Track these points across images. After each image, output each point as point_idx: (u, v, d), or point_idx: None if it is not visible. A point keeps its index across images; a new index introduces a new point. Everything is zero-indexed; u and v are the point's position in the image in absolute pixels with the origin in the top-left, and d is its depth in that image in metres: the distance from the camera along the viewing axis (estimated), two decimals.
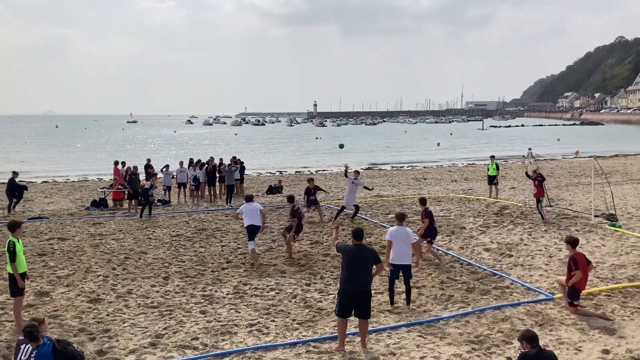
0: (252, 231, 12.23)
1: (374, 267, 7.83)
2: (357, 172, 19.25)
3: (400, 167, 41.09)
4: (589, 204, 18.31)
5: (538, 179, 16.76)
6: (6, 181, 20.20)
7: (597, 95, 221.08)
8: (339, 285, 7.92)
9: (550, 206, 18.67)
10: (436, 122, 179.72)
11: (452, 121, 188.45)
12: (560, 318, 8.78)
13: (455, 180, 28.97)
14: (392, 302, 9.39)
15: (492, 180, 21.19)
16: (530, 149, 20.74)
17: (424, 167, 40.43)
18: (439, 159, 48.33)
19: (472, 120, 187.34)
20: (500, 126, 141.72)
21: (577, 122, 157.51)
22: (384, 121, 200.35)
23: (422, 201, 12.64)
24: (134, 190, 19.39)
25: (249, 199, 12.84)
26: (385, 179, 30.73)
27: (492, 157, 22.15)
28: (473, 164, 42.40)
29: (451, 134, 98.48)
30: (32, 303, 9.55)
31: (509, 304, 9.42)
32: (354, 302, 7.64)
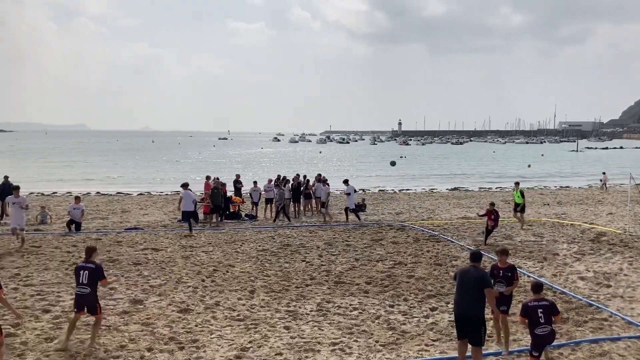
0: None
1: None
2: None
3: (488, 188, 39.83)
4: None
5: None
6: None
7: None
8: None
9: None
10: (527, 143, 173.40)
11: (544, 142, 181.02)
12: None
13: (548, 204, 27.69)
14: None
15: (517, 207, 19.66)
16: (604, 172, 19.39)
17: (513, 189, 38.92)
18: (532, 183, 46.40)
19: (565, 141, 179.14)
20: (596, 148, 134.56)
21: None
22: (470, 140, 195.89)
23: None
24: (214, 204, 20.03)
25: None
26: (472, 200, 29.91)
27: (517, 183, 20.73)
28: (567, 187, 40.39)
29: (542, 155, 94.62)
30: (127, 310, 10.04)
31: (607, 338, 8.82)
32: (463, 325, 7.47)
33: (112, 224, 20.11)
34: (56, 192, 34.42)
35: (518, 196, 19.34)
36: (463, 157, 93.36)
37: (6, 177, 21.81)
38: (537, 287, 7.52)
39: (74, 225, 18.02)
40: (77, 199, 19.07)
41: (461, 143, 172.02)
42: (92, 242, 15.59)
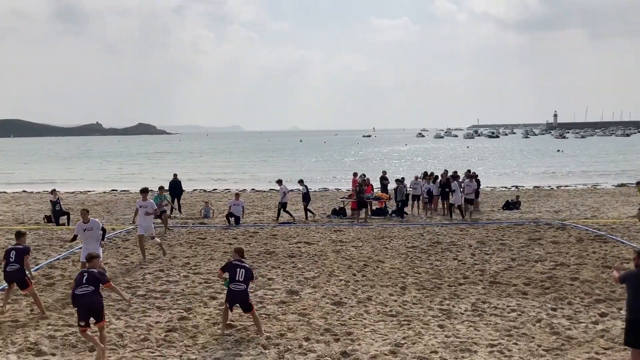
0: None
1: None
2: None
3: None
4: None
5: None
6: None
7: None
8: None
9: None
10: None
11: None
12: None
13: None
14: None
15: None
16: None
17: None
18: None
19: None
20: None
21: None
22: (639, 132, 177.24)
23: None
24: (358, 200, 20.23)
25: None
26: None
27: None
28: None
29: None
30: (285, 300, 10.49)
31: None
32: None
33: (267, 219, 21.20)
34: (216, 189, 37.19)
35: None
36: (632, 150, 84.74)
37: (175, 175, 23.96)
38: None
39: (233, 219, 19.28)
40: (237, 195, 20.39)
41: (628, 135, 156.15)
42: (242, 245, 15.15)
